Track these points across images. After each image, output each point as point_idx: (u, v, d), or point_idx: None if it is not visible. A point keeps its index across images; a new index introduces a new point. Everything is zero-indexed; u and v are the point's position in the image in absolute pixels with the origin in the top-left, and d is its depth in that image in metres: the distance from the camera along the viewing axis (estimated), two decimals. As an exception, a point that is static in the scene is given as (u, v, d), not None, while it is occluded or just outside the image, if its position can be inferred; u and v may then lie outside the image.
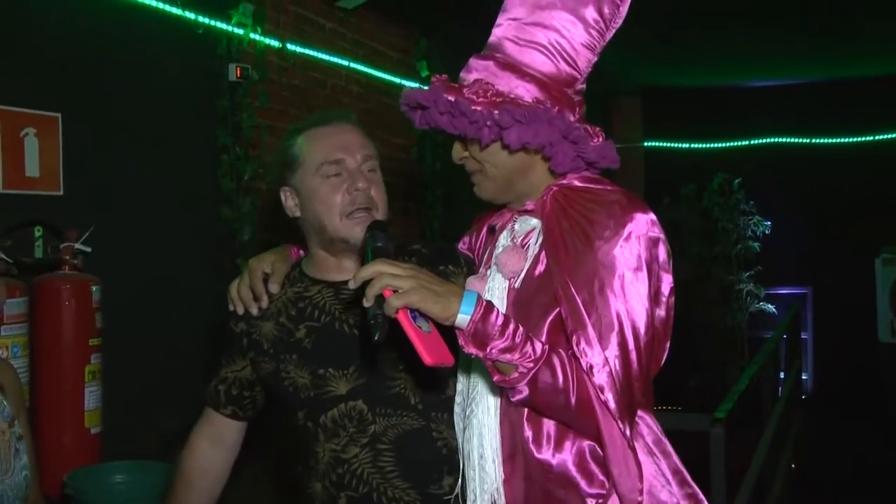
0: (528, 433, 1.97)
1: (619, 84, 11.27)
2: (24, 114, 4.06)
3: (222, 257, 5.15)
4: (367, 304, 1.77)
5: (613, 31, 2.08)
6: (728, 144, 12.08)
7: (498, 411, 2.03)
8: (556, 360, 1.84)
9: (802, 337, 11.24)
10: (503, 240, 2.15)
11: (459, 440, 2.18)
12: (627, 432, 1.86)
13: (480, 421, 2.04)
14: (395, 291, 1.75)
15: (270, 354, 2.37)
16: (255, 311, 2.40)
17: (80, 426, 3.84)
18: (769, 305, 11.07)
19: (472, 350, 1.81)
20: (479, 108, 1.94)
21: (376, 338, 1.78)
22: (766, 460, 5.73)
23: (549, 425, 1.96)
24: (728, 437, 3.97)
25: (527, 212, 2.11)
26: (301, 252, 2.56)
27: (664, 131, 12.12)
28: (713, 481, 3.84)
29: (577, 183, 2.04)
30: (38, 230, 4.09)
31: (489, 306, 1.81)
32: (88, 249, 4.00)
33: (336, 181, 2.29)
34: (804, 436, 8.95)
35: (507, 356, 1.80)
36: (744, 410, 4.67)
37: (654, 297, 1.93)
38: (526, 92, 1.98)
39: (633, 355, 1.88)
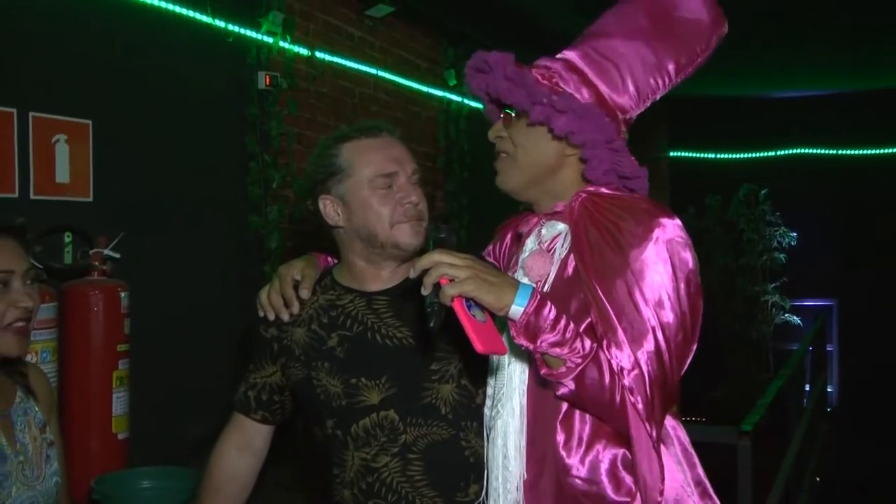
0: (560, 437, 1.99)
1: None
2: (55, 120, 4.07)
3: (250, 265, 5.17)
4: (424, 292, 1.82)
5: (676, 84, 2.18)
6: (754, 155, 12.10)
7: (525, 413, 2.05)
8: (603, 358, 1.87)
9: (828, 349, 11.21)
10: (530, 244, 2.17)
11: (485, 444, 2.20)
12: (654, 433, 1.89)
13: (505, 422, 2.07)
14: (451, 280, 1.79)
15: (302, 361, 2.37)
16: (285, 317, 2.41)
17: (107, 431, 3.84)
18: (794, 317, 11.10)
19: (522, 341, 1.85)
20: (541, 86, 2.03)
21: (431, 324, 1.82)
22: (791, 472, 5.72)
23: (581, 430, 1.98)
24: (754, 449, 3.97)
25: (554, 215, 2.14)
26: (329, 260, 2.57)
27: (689, 141, 12.16)
28: (740, 493, 3.86)
29: (605, 191, 2.09)
30: (67, 236, 4.09)
31: (543, 300, 1.85)
32: (117, 256, 4.01)
33: (388, 193, 2.30)
34: (829, 448, 8.91)
35: (557, 350, 1.84)
36: (770, 422, 4.66)
37: (683, 300, 1.95)
38: (585, 96, 2.07)
39: (665, 357, 1.91)
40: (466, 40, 7.46)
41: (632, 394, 1.87)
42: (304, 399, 2.42)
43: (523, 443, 2.04)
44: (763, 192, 11.06)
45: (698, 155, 12.32)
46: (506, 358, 2.09)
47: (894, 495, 8.14)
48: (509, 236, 2.42)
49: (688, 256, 1.97)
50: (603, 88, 2.08)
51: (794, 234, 11.01)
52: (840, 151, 11.76)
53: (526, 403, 2.05)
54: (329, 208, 2.37)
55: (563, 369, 1.85)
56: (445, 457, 2.27)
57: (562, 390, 1.89)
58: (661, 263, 1.92)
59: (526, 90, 2.03)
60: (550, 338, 1.83)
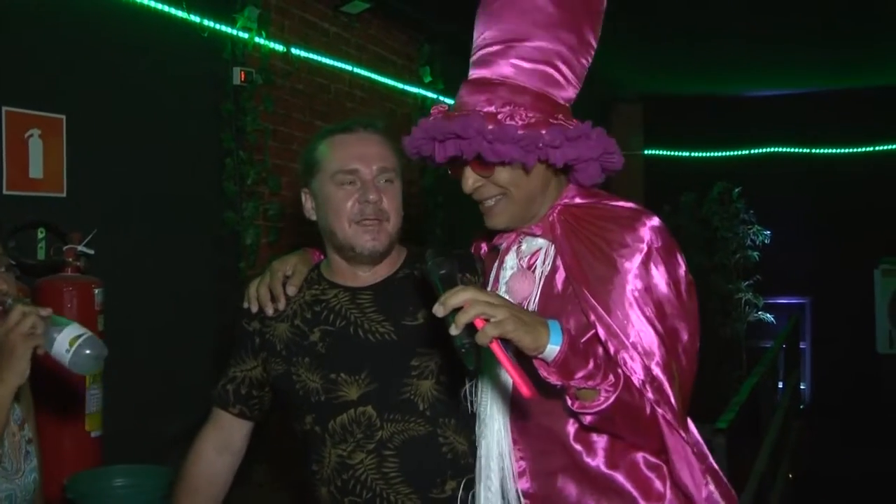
0: (579, 448, 1.99)
1: (620, 91, 11.28)
2: (28, 115, 4.05)
3: (225, 261, 5.15)
4: (455, 332, 1.71)
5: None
6: (728, 153, 12.10)
7: (509, 434, 2.05)
8: (632, 380, 1.86)
9: (801, 347, 11.26)
10: (510, 262, 2.14)
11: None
12: (688, 439, 1.92)
13: (489, 443, 2.07)
14: (486, 321, 1.70)
15: (283, 356, 2.37)
16: (269, 311, 2.41)
17: (80, 429, 3.83)
18: (768, 315, 11.05)
19: (555, 380, 1.78)
20: (523, 132, 1.90)
21: (471, 367, 1.77)
22: (765, 470, 5.74)
23: (599, 441, 1.97)
24: (728, 446, 3.98)
25: (532, 234, 2.11)
26: (322, 256, 2.57)
27: (664, 139, 12.13)
28: (714, 491, 3.84)
29: (578, 199, 2.07)
30: (41, 232, 4.07)
31: (573, 336, 1.81)
32: (91, 252, 4.00)
33: (349, 189, 2.31)
34: (802, 446, 8.94)
35: (591, 383, 1.79)
36: (743, 420, 4.67)
37: (683, 302, 1.95)
38: (550, 111, 1.98)
39: (677, 363, 1.93)
40: (442, 37, 7.47)
41: (658, 406, 1.87)
42: (284, 394, 2.42)
43: (513, 463, 2.05)
44: (737, 190, 11.02)
45: (673, 153, 12.28)
46: (487, 414, 2.09)
47: (866, 492, 8.18)
48: (483, 250, 2.40)
49: (678, 258, 1.98)
50: (554, 94, 2.00)
51: (768, 232, 10.96)
52: (813, 150, 11.78)
53: (512, 431, 2.05)
54: (307, 203, 2.44)
55: (601, 399, 1.81)
56: (422, 453, 2.26)
57: (589, 420, 1.85)
58: (656, 271, 1.92)
59: (515, 144, 1.90)
60: (583, 372, 1.78)
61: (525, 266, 2.10)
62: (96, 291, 3.88)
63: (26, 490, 2.37)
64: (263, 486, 4.43)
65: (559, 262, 2.03)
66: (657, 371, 1.88)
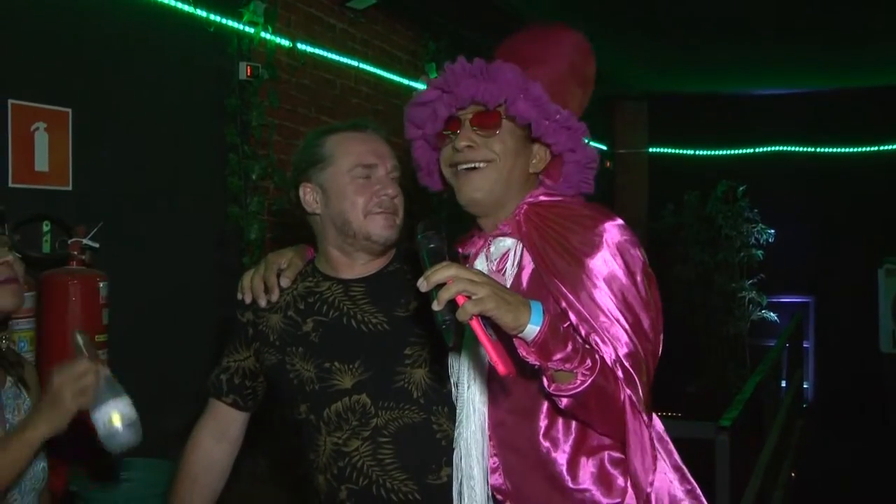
0: (549, 448, 2.03)
1: (625, 89, 11.27)
2: (34, 108, 4.03)
3: (229, 256, 5.14)
4: (437, 307, 1.73)
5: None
6: (733, 152, 12.11)
7: (485, 435, 2.10)
8: (606, 365, 1.89)
9: (804, 346, 11.27)
10: (479, 265, 2.18)
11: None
12: (648, 423, 1.95)
13: (468, 442, 2.11)
14: (468, 297, 1.73)
15: (276, 346, 2.43)
16: (262, 302, 2.47)
17: (83, 422, 3.80)
18: (771, 314, 11.08)
19: (533, 360, 1.81)
20: (546, 98, 2.06)
21: (450, 344, 1.79)
22: (768, 468, 5.75)
23: (566, 440, 2.02)
24: (731, 444, 3.99)
25: (501, 232, 2.15)
26: (315, 253, 2.61)
27: (669, 137, 12.16)
28: (717, 489, 3.86)
29: (543, 198, 2.15)
30: (46, 225, 4.06)
31: (553, 317, 1.84)
32: (96, 245, 3.98)
33: (365, 183, 2.39)
34: (805, 444, 8.95)
35: (568, 365, 1.82)
36: (746, 418, 4.67)
37: (644, 295, 2.00)
38: (568, 100, 2.16)
39: (643, 352, 1.96)
40: (448, 34, 7.47)
41: (625, 387, 1.90)
42: (278, 385, 2.47)
43: (486, 463, 2.09)
44: (741, 188, 11.03)
45: (677, 151, 12.31)
46: (465, 377, 2.13)
47: (869, 491, 8.18)
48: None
49: (638, 253, 2.02)
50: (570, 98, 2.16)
51: (772, 231, 10.98)
52: (819, 149, 11.79)
53: (488, 426, 2.10)
54: (308, 195, 2.45)
55: (577, 382, 1.83)
56: (416, 440, 2.30)
57: (565, 403, 1.88)
58: (617, 266, 1.97)
59: (535, 104, 2.05)
60: (561, 354, 1.80)
61: (495, 269, 2.14)
62: (101, 285, 3.86)
63: (35, 479, 2.40)
64: (263, 482, 4.43)
65: (525, 262, 2.09)
66: (624, 357, 1.92)
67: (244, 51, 5.23)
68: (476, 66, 2.09)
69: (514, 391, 2.05)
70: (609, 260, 1.97)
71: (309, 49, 5.88)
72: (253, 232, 5.20)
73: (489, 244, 2.18)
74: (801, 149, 11.86)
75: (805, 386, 11.30)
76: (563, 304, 1.96)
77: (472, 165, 2.11)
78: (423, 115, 2.21)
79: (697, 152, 12.26)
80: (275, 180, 5.39)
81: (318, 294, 2.44)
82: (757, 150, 11.96)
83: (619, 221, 2.04)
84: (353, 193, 2.37)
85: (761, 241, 11.00)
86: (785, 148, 11.90)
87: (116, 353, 3.99)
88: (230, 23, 5.11)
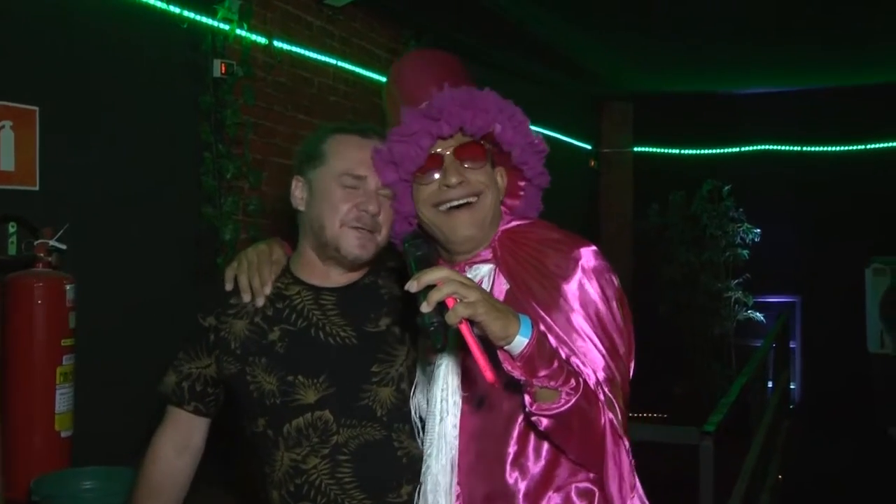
0: (515, 474, 2.01)
1: (610, 89, 11.28)
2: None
3: (203, 257, 5.05)
4: (426, 309, 1.67)
5: None
6: (718, 151, 12.14)
7: (455, 469, 2.06)
8: (589, 387, 1.87)
9: (791, 346, 11.27)
10: None
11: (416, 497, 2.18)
12: (627, 445, 1.93)
13: (436, 477, 2.07)
14: (458, 301, 1.68)
15: (237, 355, 2.32)
16: (261, 301, 2.35)
17: (49, 429, 3.73)
18: (757, 314, 11.07)
19: (517, 374, 1.77)
20: (526, 123, 2.11)
21: (440, 346, 1.72)
22: (754, 471, 5.71)
23: (535, 468, 2.00)
24: (716, 447, 3.93)
25: (480, 261, 2.13)
26: (290, 250, 2.52)
27: (654, 137, 12.18)
28: (702, 494, 3.81)
29: (514, 223, 2.16)
30: (12, 226, 3.97)
31: (542, 331, 1.81)
32: (63, 247, 3.88)
33: (351, 193, 2.28)
34: (792, 446, 8.92)
35: (553, 383, 1.79)
36: (732, 420, 4.62)
37: (618, 319, 2.01)
38: None
39: (618, 375, 1.96)
40: (428, 31, 7.39)
41: (607, 410, 1.88)
42: (237, 395, 2.37)
43: (452, 497, 2.06)
44: (727, 188, 11.05)
45: (662, 151, 12.32)
46: (437, 409, 2.08)
47: (856, 492, 8.14)
48: None
49: (613, 277, 2.04)
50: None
51: (758, 230, 10.99)
52: (804, 148, 11.80)
53: (457, 458, 2.06)
54: (297, 190, 2.38)
55: (561, 402, 1.80)
56: (377, 458, 2.25)
57: (545, 424, 1.84)
58: (593, 290, 1.99)
59: (519, 130, 2.07)
60: (547, 371, 1.77)
61: None
62: (68, 288, 3.78)
63: None
64: (212, 487, 4.34)
65: (498, 286, 2.07)
66: (602, 379, 1.91)
67: (218, 48, 5.14)
68: (464, 93, 2.05)
69: (487, 414, 2.03)
70: (585, 284, 1.98)
71: (286, 47, 5.80)
72: (228, 232, 5.11)
73: (466, 271, 2.12)
74: (787, 147, 11.88)
75: (792, 387, 11.29)
76: (542, 327, 1.89)
77: (465, 201, 2.07)
78: (403, 150, 2.10)
79: (683, 151, 12.28)
80: (250, 180, 5.31)
81: (287, 299, 2.35)
82: (743, 149, 11.98)
83: (594, 247, 2.05)
84: (336, 200, 2.28)
85: (747, 241, 11.00)
86: (771, 147, 11.92)
87: (86, 358, 3.93)
88: (204, 19, 5.02)
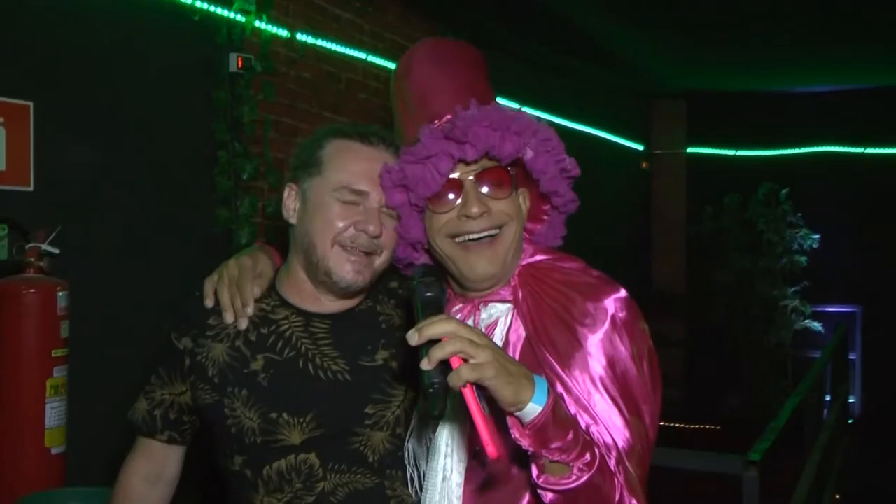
0: None
1: (662, 87, 11.14)
2: (-12, 102, 3.82)
3: (215, 262, 4.80)
4: (427, 367, 1.48)
5: None
6: (776, 152, 11.94)
7: None
8: (606, 462, 1.70)
9: (850, 358, 11.01)
10: None
11: None
12: None
13: None
14: (464, 360, 1.49)
15: (214, 384, 2.07)
16: (244, 323, 2.09)
17: (39, 445, 3.53)
18: (815, 323, 10.89)
19: (526, 444, 1.59)
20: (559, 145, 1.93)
21: (436, 414, 1.53)
22: (810, 490, 5.52)
23: None
24: (764, 473, 3.75)
25: (498, 300, 1.95)
26: (281, 261, 2.26)
27: (708, 137, 12.03)
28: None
29: (539, 256, 1.98)
30: (2, 229, 3.81)
31: (557, 400, 1.62)
32: (56, 251, 3.69)
33: (349, 209, 2.04)
34: (850, 463, 8.67)
35: (564, 457, 1.61)
36: (786, 436, 4.43)
37: (647, 377, 1.84)
38: None
39: (641, 440, 1.78)
40: (467, 26, 7.17)
41: (626, 490, 1.71)
42: (212, 428, 2.13)
43: None
44: (784, 191, 10.88)
45: (717, 152, 12.17)
46: (440, 466, 1.89)
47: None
48: None
49: (643, 330, 1.88)
50: None
51: (817, 236, 10.81)
52: (867, 150, 11.57)
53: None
54: (290, 199, 2.14)
55: (572, 478, 1.61)
56: None
57: (550, 498, 1.65)
58: (623, 347, 1.82)
59: (552, 155, 1.90)
60: (560, 443, 1.59)
61: None
62: (60, 294, 3.58)
63: None
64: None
65: (515, 331, 1.90)
66: (623, 449, 1.73)
67: (235, 41, 4.94)
68: (493, 112, 1.86)
69: (494, 481, 1.85)
70: (615, 339, 1.82)
71: (310, 40, 5.59)
72: (244, 236, 4.90)
73: (480, 308, 1.95)
74: (848, 149, 11.68)
75: (851, 400, 11.03)
76: (560, 389, 1.78)
77: (486, 234, 1.89)
78: (418, 173, 1.89)
79: (738, 153, 12.15)
80: (269, 180, 5.09)
81: (273, 324, 2.10)
82: (801, 150, 11.82)
83: (624, 293, 1.87)
84: (332, 216, 2.03)
85: (805, 247, 10.88)
86: (831, 148, 11.74)
87: (81, 370, 3.76)
88: (218, 10, 4.82)
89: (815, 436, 6.68)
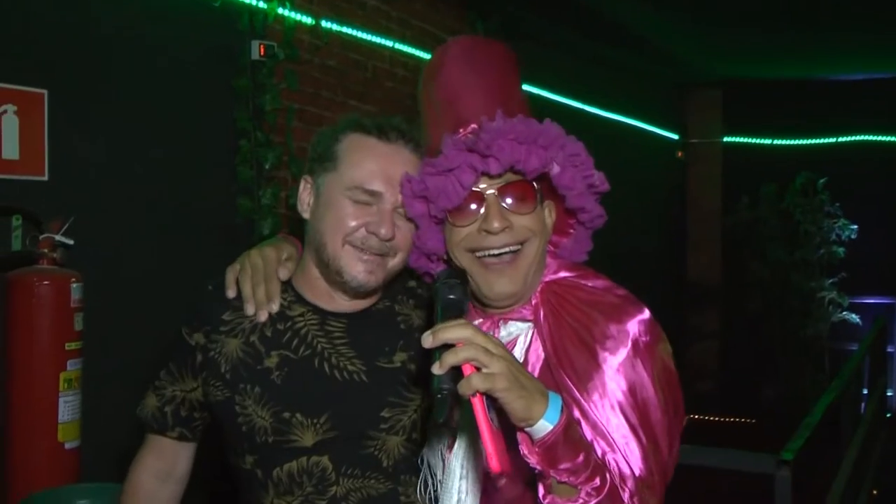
0: None
1: (698, 75, 11.04)
2: (3, 89, 3.72)
3: (236, 253, 4.74)
4: (438, 371, 1.44)
5: None
6: (813, 141, 11.80)
7: None
8: (619, 490, 1.66)
9: (888, 350, 10.84)
10: None
11: None
12: None
13: None
14: (477, 369, 1.45)
15: (226, 380, 2.02)
16: (263, 317, 2.04)
17: (52, 440, 3.50)
18: (853, 315, 10.77)
19: (534, 462, 1.55)
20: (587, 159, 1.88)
21: (441, 420, 1.48)
22: (847, 485, 5.45)
23: None
24: (797, 473, 3.65)
25: (518, 318, 1.91)
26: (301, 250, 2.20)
27: (745, 126, 11.90)
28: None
29: (563, 273, 1.93)
30: (16, 219, 3.75)
31: (571, 418, 1.59)
32: (70, 242, 3.66)
33: (362, 209, 1.98)
34: (888, 458, 8.51)
35: (573, 479, 1.57)
36: (822, 431, 4.40)
37: (667, 404, 1.79)
38: None
39: (657, 467, 1.74)
40: (499, 14, 7.08)
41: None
42: (222, 425, 2.08)
43: None
44: (822, 181, 10.76)
45: (753, 140, 12.04)
46: (455, 487, 1.86)
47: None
48: None
49: (665, 354, 1.83)
50: None
51: (855, 226, 10.68)
52: (906, 138, 11.42)
53: None
54: (305, 192, 2.11)
55: (579, 501, 1.58)
56: None
57: None
58: (645, 373, 1.77)
59: (580, 171, 1.85)
60: (569, 464, 1.55)
61: None
62: (73, 286, 3.55)
63: None
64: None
65: (534, 351, 1.85)
66: (638, 478, 1.69)
67: (257, 28, 4.86)
68: (520, 125, 1.80)
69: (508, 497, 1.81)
70: (636, 364, 1.77)
71: (335, 27, 5.50)
72: (266, 227, 4.83)
73: (500, 326, 1.91)
74: (887, 138, 11.49)
75: (889, 394, 10.84)
76: (577, 413, 1.74)
77: (508, 250, 1.84)
78: (440, 185, 1.85)
79: (775, 142, 12.00)
80: (292, 170, 5.03)
81: (289, 321, 2.05)
82: (839, 139, 11.65)
83: (647, 315, 1.83)
84: (343, 214, 1.97)
85: (843, 238, 10.76)
86: (870, 137, 11.56)
87: (95, 363, 3.72)
88: (240, -3, 4.74)
89: (852, 431, 6.58)
